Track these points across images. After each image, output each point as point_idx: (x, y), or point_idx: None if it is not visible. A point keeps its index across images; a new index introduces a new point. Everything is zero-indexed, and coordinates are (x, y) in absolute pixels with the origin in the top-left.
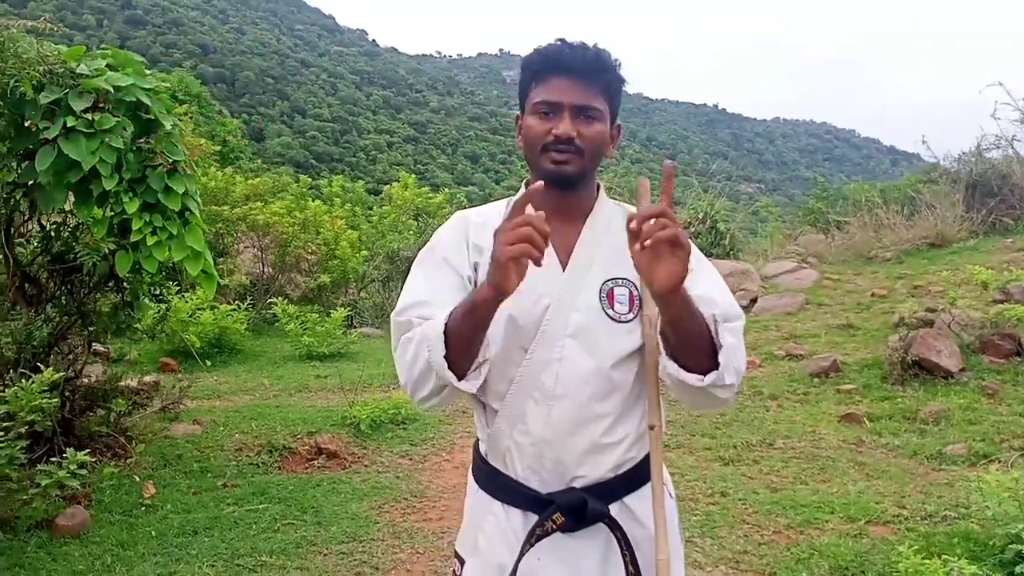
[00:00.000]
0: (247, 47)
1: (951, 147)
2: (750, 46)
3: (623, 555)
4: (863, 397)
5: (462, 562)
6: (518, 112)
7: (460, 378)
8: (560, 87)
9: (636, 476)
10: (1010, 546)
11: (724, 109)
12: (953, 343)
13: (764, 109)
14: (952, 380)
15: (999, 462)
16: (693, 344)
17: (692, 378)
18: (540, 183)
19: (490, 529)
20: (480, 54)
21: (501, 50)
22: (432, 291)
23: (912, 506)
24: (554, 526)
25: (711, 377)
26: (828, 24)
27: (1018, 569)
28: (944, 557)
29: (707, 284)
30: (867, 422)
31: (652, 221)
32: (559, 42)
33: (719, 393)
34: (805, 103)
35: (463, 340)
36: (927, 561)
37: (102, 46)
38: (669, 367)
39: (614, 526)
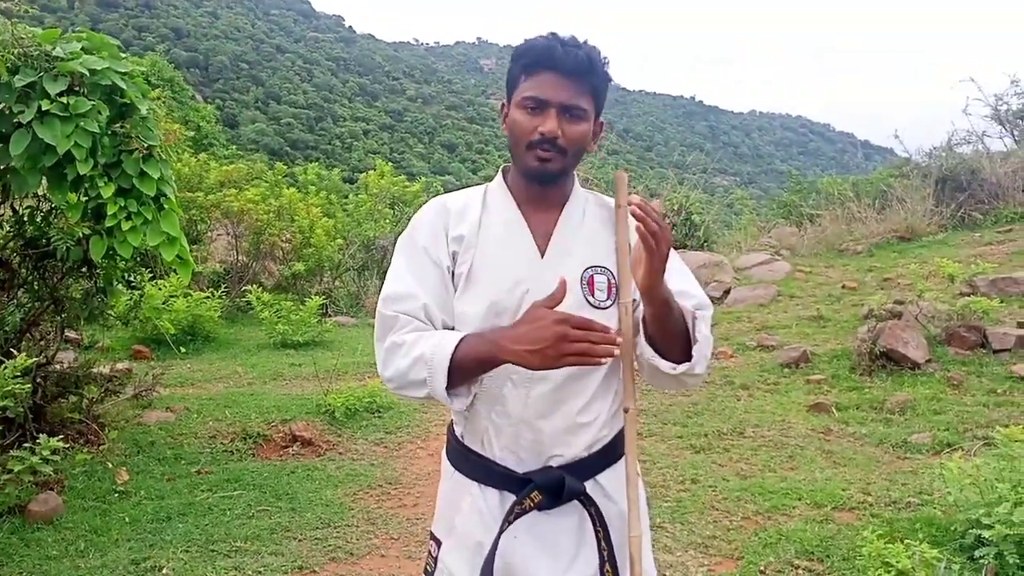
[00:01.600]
0: (221, 31)
1: (925, 142)
2: (728, 38)
3: (596, 531)
4: (832, 387)
5: (439, 543)
6: (504, 100)
7: (452, 396)
8: (549, 84)
9: (609, 454)
10: (970, 531)
11: (701, 101)
12: (920, 335)
13: (741, 102)
14: (918, 371)
15: (962, 450)
16: (671, 336)
17: (666, 365)
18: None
19: (467, 509)
20: (458, 42)
21: (479, 38)
22: (416, 284)
23: (877, 493)
24: (531, 504)
25: (684, 367)
26: (807, 17)
27: (978, 553)
28: (907, 542)
29: (682, 279)
30: (835, 411)
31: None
32: (552, 37)
33: (689, 380)
34: (781, 96)
35: (466, 377)
36: (890, 545)
37: (74, 28)
38: (646, 352)
39: (588, 503)
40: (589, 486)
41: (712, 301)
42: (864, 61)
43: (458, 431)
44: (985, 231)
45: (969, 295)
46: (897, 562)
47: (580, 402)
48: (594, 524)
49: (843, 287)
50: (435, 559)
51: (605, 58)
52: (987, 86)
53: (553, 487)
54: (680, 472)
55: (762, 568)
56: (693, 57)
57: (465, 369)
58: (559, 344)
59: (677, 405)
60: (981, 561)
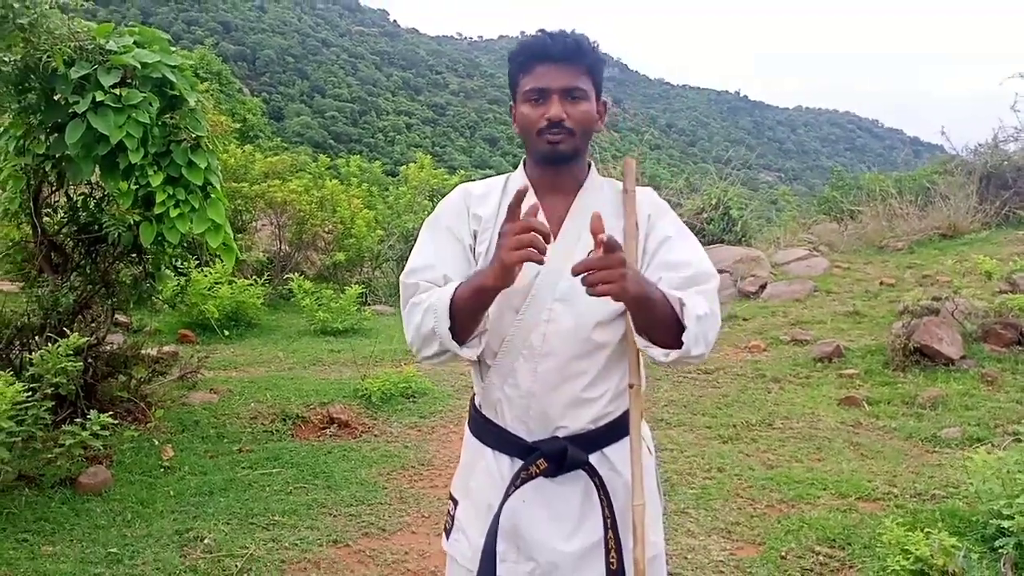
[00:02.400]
0: (268, 25)
1: (973, 139)
2: (775, 33)
3: (600, 500)
4: (864, 382)
5: (455, 503)
6: (510, 104)
7: (462, 344)
8: (546, 74)
9: (615, 429)
10: (991, 521)
11: (746, 96)
12: (955, 331)
13: (787, 97)
14: (952, 367)
15: (991, 445)
16: (657, 326)
17: (658, 353)
18: (526, 185)
19: (480, 473)
20: (501, 36)
21: (522, 32)
22: (437, 256)
23: (903, 485)
24: (538, 471)
25: (676, 354)
26: (855, 13)
27: (998, 543)
28: (927, 530)
29: (683, 250)
30: (866, 405)
31: (586, 276)
32: (540, 33)
33: (689, 362)
34: (828, 92)
35: (466, 316)
36: (910, 534)
37: (125, 22)
38: (638, 341)
39: (592, 473)
40: (595, 458)
41: (747, 296)
42: (915, 56)
43: (476, 401)
44: None
45: (1008, 293)
46: (916, 550)
47: (586, 379)
48: (599, 493)
49: (881, 283)
50: (452, 517)
51: (594, 42)
52: None
53: (557, 456)
54: (707, 461)
55: (783, 554)
56: (739, 52)
57: (464, 307)
58: (499, 251)
59: (708, 396)
60: (1000, 551)
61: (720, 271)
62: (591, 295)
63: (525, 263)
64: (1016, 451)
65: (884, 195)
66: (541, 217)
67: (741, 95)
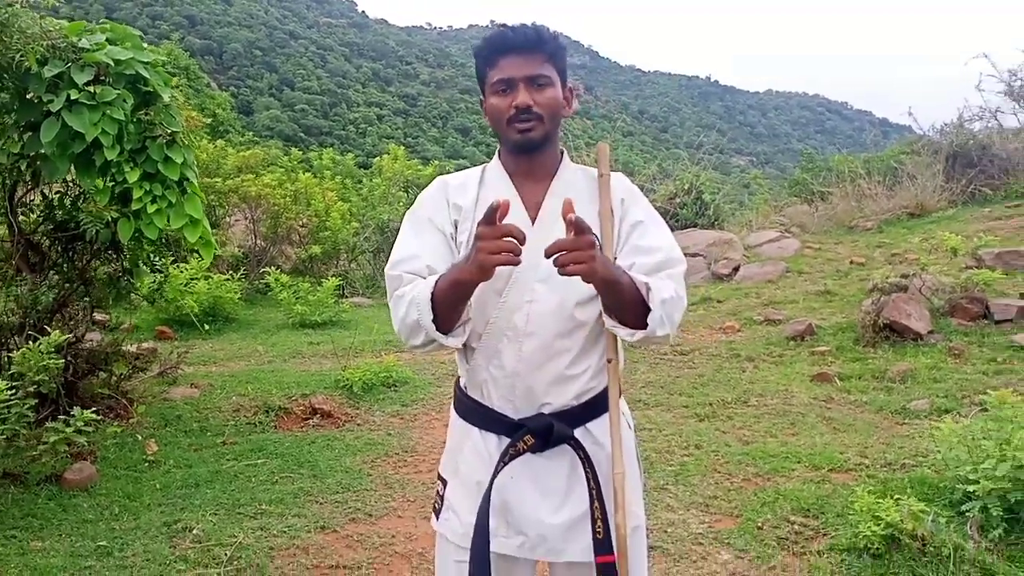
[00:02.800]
0: (234, 19)
1: (941, 120)
2: (745, 17)
3: (585, 472)
4: (836, 358)
5: (444, 483)
6: (481, 98)
7: (446, 333)
8: (510, 65)
9: (597, 405)
10: (958, 487)
11: (717, 81)
12: (923, 307)
13: (757, 81)
14: (921, 342)
15: (958, 415)
16: (624, 308)
17: (624, 332)
18: (506, 200)
19: (469, 452)
20: (471, 25)
21: (492, 21)
22: (419, 247)
23: (873, 456)
24: (525, 447)
25: (641, 334)
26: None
27: (965, 507)
28: (897, 498)
29: (654, 235)
30: (837, 381)
31: (557, 257)
32: (501, 27)
33: (654, 342)
34: (798, 75)
35: (447, 307)
36: (881, 500)
37: (89, 17)
38: (607, 321)
39: (577, 447)
40: (579, 433)
41: (721, 278)
42: (882, 38)
43: (462, 383)
44: (995, 206)
45: (974, 268)
46: (887, 516)
47: (568, 357)
48: (584, 466)
49: (851, 263)
50: (442, 497)
51: (554, 31)
52: (1001, 62)
53: (544, 431)
54: (685, 439)
55: (760, 524)
56: (709, 37)
57: (444, 299)
58: (477, 254)
59: (684, 377)
60: (967, 514)
61: (694, 255)
62: (561, 275)
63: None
64: (981, 420)
65: (853, 176)
66: (516, 208)
67: (712, 80)
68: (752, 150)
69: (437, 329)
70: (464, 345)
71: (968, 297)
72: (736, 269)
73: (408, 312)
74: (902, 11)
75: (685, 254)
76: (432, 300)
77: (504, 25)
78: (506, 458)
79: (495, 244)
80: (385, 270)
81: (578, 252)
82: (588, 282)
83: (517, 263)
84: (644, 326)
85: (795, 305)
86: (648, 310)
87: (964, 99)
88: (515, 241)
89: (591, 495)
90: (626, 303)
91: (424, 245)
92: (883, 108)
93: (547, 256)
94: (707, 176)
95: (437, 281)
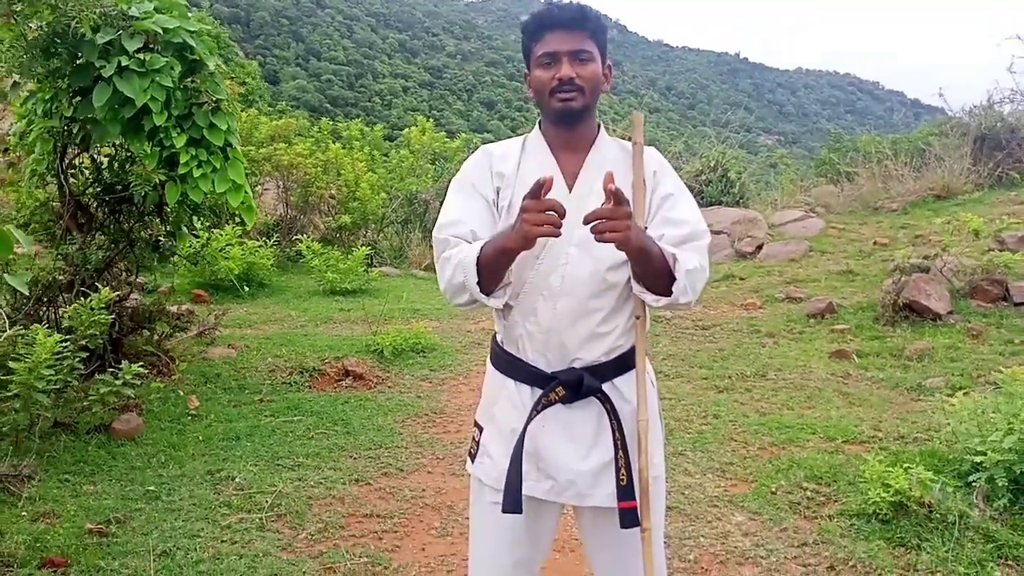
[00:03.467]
0: None
1: (973, 101)
2: None
3: (611, 423)
4: (855, 336)
5: (480, 429)
6: (525, 71)
7: (488, 295)
8: (555, 39)
9: (624, 361)
10: (967, 458)
11: (746, 58)
12: (943, 287)
13: (787, 59)
14: (940, 322)
15: (974, 393)
16: (653, 276)
17: (651, 299)
18: (550, 177)
19: (504, 401)
20: None
21: None
22: (464, 212)
23: (887, 429)
24: (556, 398)
25: (665, 300)
26: None
27: (971, 477)
28: (906, 466)
29: (683, 208)
30: (856, 358)
31: (596, 224)
32: (547, 4)
33: (677, 308)
34: (829, 53)
35: (491, 270)
36: (890, 469)
37: None
38: (634, 287)
39: (604, 400)
40: (607, 387)
41: (744, 256)
42: (917, 16)
43: (499, 338)
44: (1021, 190)
45: (997, 251)
46: (896, 483)
47: (600, 315)
48: (610, 418)
49: (875, 243)
50: (477, 443)
51: (597, 11)
52: None
53: (574, 384)
54: (703, 409)
55: (773, 489)
56: (739, 14)
57: (489, 263)
58: (522, 225)
59: (704, 350)
60: (974, 484)
61: (718, 232)
62: (598, 241)
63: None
64: (992, 395)
65: (880, 157)
66: (557, 183)
67: (741, 57)
68: (780, 129)
69: (480, 291)
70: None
71: (989, 279)
72: (760, 247)
73: (455, 274)
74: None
75: (710, 231)
76: (477, 263)
77: (550, 2)
78: (539, 407)
79: (539, 216)
80: (433, 232)
81: (615, 222)
82: (621, 250)
83: (558, 235)
84: (669, 293)
85: (817, 284)
86: (674, 279)
87: (995, 81)
88: (556, 215)
89: (616, 445)
90: (655, 272)
91: (468, 210)
92: (915, 89)
93: (585, 223)
94: (733, 154)
95: (483, 247)
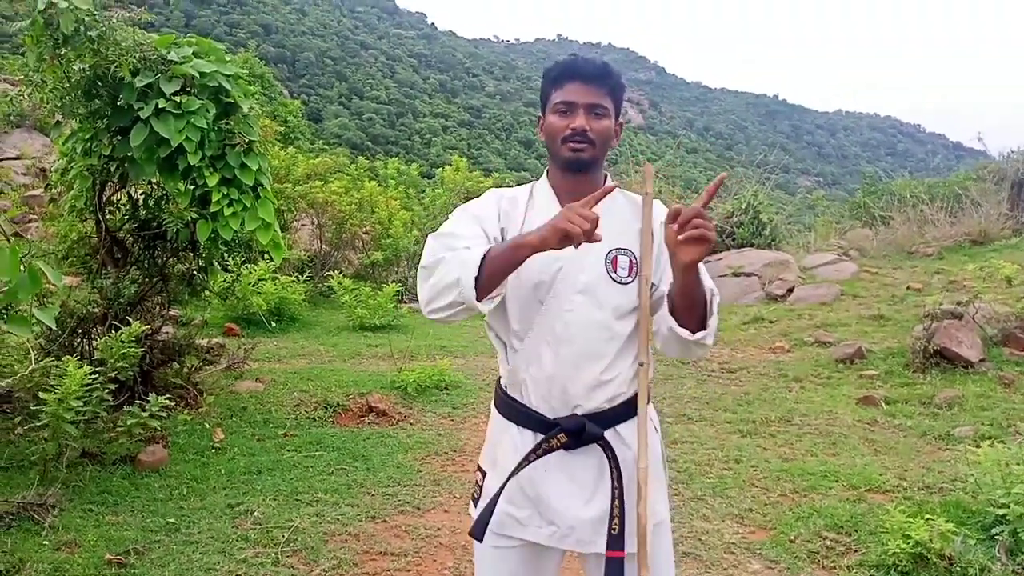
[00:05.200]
0: (308, 28)
1: (1012, 146)
2: (815, 35)
3: (611, 470)
4: (884, 382)
5: (484, 474)
6: (539, 115)
7: (479, 299)
8: (576, 90)
9: (628, 409)
10: (990, 510)
11: (784, 100)
12: (976, 335)
13: (826, 101)
14: (971, 370)
15: (1002, 443)
16: (693, 308)
17: (686, 332)
18: (615, 183)
19: (506, 446)
20: (538, 39)
21: (559, 35)
22: (463, 232)
23: (912, 478)
24: (558, 444)
25: (699, 335)
26: (901, 14)
27: (995, 531)
28: (927, 518)
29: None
30: (883, 404)
31: (694, 220)
32: (573, 55)
33: (698, 350)
34: (870, 96)
35: (495, 270)
36: (911, 520)
37: (169, 24)
38: (669, 321)
39: (606, 447)
40: (609, 434)
41: (775, 299)
42: (959, 59)
43: (503, 383)
44: None
45: None
46: (916, 535)
47: (603, 363)
48: (610, 466)
49: (908, 288)
50: (480, 487)
51: (618, 71)
52: None
53: (576, 430)
54: (725, 453)
55: (792, 538)
56: (778, 55)
57: (497, 260)
58: (558, 218)
59: (729, 394)
60: (997, 538)
61: (748, 274)
62: (684, 240)
63: (551, 257)
64: (1016, 446)
65: (915, 201)
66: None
67: (780, 99)
68: (819, 171)
69: (474, 291)
70: (506, 347)
71: (1022, 327)
72: (790, 290)
73: (448, 271)
74: (985, 39)
75: (740, 273)
76: (482, 261)
77: (575, 54)
78: (538, 451)
79: (581, 214)
80: (428, 236)
81: (708, 226)
82: (697, 258)
83: (582, 241)
84: (700, 329)
85: (847, 328)
86: (707, 313)
87: None
88: (592, 228)
89: (612, 493)
90: (696, 302)
91: (469, 232)
92: (957, 132)
93: (683, 222)
94: (765, 195)
95: (493, 246)
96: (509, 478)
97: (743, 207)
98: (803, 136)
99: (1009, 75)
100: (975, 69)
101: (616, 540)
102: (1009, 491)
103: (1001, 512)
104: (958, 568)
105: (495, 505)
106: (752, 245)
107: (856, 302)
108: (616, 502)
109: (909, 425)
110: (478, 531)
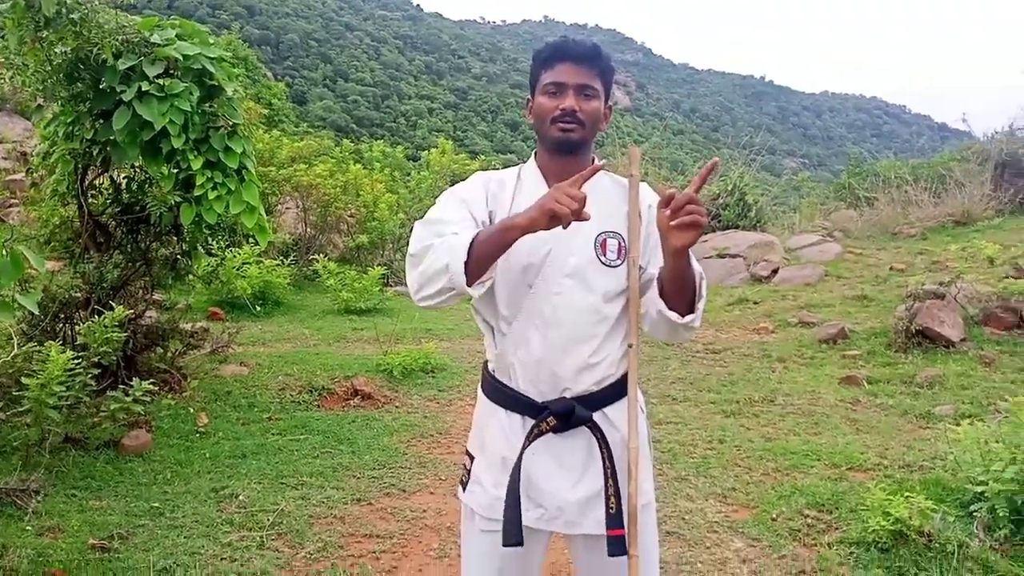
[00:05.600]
0: (292, 9)
1: (996, 127)
2: (803, 15)
3: (601, 452)
4: (866, 362)
5: (472, 458)
6: (527, 97)
7: (469, 284)
8: (565, 71)
9: (616, 391)
10: (968, 487)
11: (771, 81)
12: (957, 314)
13: (813, 82)
14: (953, 349)
15: (980, 420)
16: (682, 292)
17: (675, 315)
18: (604, 162)
19: (494, 430)
20: (524, 20)
21: (545, 17)
22: (451, 218)
23: (893, 456)
24: (547, 427)
25: (689, 317)
26: None
27: (973, 507)
28: (907, 495)
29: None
30: (866, 384)
31: (687, 206)
32: (564, 37)
33: (686, 332)
34: (856, 77)
35: (484, 254)
36: (891, 498)
37: (152, 6)
38: (658, 304)
39: (595, 429)
40: (597, 416)
41: (759, 280)
42: (946, 42)
43: (490, 367)
44: None
45: (1013, 278)
46: (896, 512)
47: (592, 346)
48: (600, 447)
49: (891, 269)
50: (468, 471)
51: (609, 54)
52: None
53: (565, 413)
54: (709, 433)
55: (774, 516)
56: (765, 36)
57: (485, 244)
58: (546, 199)
59: (714, 374)
60: (975, 514)
61: (734, 256)
62: (681, 225)
63: (539, 239)
64: (995, 424)
65: (899, 182)
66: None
67: (766, 80)
68: (805, 152)
69: (464, 275)
70: (493, 330)
71: (1003, 306)
72: (775, 271)
73: (438, 257)
74: (972, 21)
75: (725, 255)
76: (471, 246)
77: (565, 37)
78: (531, 437)
79: (568, 193)
80: (416, 223)
81: (700, 212)
82: (689, 243)
83: (571, 221)
84: (686, 312)
85: (831, 309)
86: (695, 297)
87: (1020, 107)
88: (580, 209)
89: (605, 474)
90: (685, 285)
91: (457, 217)
92: (942, 113)
93: (676, 207)
94: (751, 177)
95: (481, 231)
96: (513, 473)
97: (729, 189)
98: (789, 117)
99: (995, 58)
100: (961, 51)
101: (614, 518)
102: (988, 469)
103: (979, 489)
104: (937, 544)
105: (519, 513)
106: (737, 227)
107: (840, 283)
108: (611, 481)
109: (890, 404)
110: (513, 536)
